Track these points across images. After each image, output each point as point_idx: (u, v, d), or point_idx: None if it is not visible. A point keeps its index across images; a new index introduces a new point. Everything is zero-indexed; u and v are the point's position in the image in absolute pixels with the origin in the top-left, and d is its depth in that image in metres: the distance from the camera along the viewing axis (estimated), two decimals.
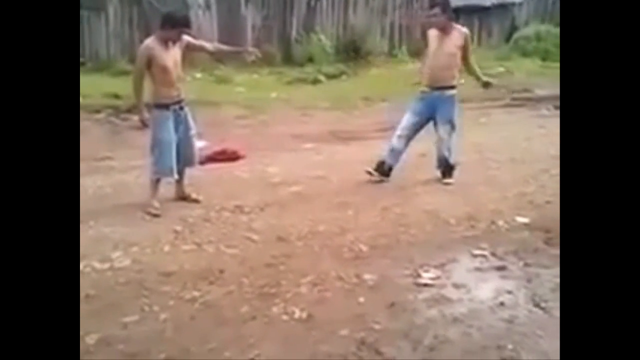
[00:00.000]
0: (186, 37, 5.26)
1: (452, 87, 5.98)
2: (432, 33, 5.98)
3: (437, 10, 5.87)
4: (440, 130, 6.00)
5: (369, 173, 6.00)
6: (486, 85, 6.29)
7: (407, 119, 6.03)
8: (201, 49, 5.78)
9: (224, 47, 6.42)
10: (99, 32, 12.33)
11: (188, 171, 5.51)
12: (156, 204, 5.18)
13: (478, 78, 6.24)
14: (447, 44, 5.86)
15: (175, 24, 5.06)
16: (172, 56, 5.11)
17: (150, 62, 5.04)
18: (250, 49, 6.07)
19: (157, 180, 5.28)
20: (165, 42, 5.07)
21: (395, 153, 6.04)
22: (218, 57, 10.91)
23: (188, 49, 5.39)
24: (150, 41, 5.10)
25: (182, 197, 5.46)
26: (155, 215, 5.08)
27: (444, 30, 5.87)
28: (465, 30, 5.98)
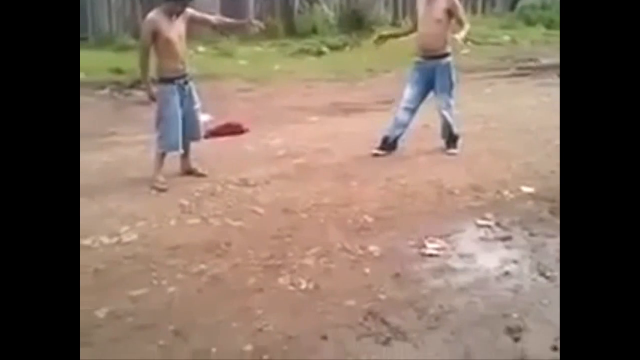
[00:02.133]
0: (190, 10, 5.21)
1: (446, 55, 5.88)
2: (420, 0, 5.90)
3: None
4: (439, 99, 5.95)
5: (376, 155, 5.98)
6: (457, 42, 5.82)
7: (408, 91, 6.00)
8: (205, 22, 5.72)
9: (227, 20, 6.37)
10: (101, 7, 12.28)
11: (193, 145, 5.51)
12: (162, 179, 5.20)
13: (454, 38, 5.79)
14: (432, 10, 5.75)
15: None
16: (176, 29, 5.07)
17: (155, 36, 5.01)
18: (254, 21, 6.01)
19: (162, 155, 5.28)
20: (169, 15, 5.02)
21: (400, 124, 6.01)
22: (221, 30, 10.83)
23: (192, 22, 5.34)
24: (154, 14, 5.05)
25: (188, 172, 5.48)
26: (162, 190, 5.10)
27: None
28: None
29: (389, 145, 6.02)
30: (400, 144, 6.07)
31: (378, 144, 6.02)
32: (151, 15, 5.07)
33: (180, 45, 5.13)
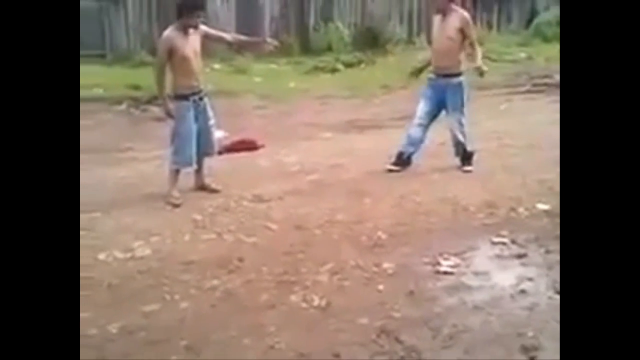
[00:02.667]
0: (204, 27, 5.28)
1: (459, 74, 5.89)
2: (436, 17, 5.95)
3: None
4: (451, 118, 5.96)
5: (390, 170, 5.97)
6: (480, 72, 5.91)
7: (421, 107, 6.01)
8: (219, 38, 5.78)
9: (243, 38, 6.42)
10: (118, 24, 12.42)
11: (207, 161, 5.54)
12: (176, 194, 5.22)
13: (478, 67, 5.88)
14: (446, 27, 5.79)
15: (191, 9, 5.04)
16: (192, 46, 5.12)
17: (171, 53, 5.06)
18: (269, 39, 6.04)
19: (177, 171, 5.31)
20: (185, 31, 5.07)
21: (414, 141, 6.01)
22: (236, 48, 10.90)
23: (207, 39, 5.41)
24: (169, 31, 5.11)
25: (202, 187, 5.49)
26: (176, 205, 5.12)
27: (444, 13, 5.81)
28: (463, 12, 5.86)
29: (403, 161, 6.01)
30: (414, 160, 6.06)
31: (393, 159, 6.02)
32: (167, 32, 5.12)
33: (196, 62, 5.18)
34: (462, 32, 5.77)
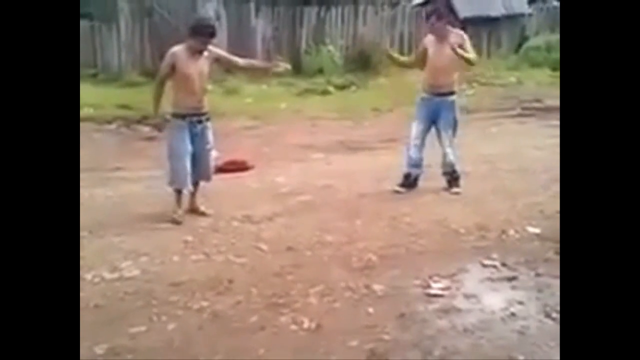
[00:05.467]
0: (217, 50, 5.26)
1: (453, 93, 6.01)
2: (429, 38, 6.03)
3: (433, 19, 5.98)
4: (442, 136, 6.01)
5: (397, 191, 5.98)
6: (467, 61, 5.96)
7: (415, 127, 6.04)
8: (232, 63, 5.68)
9: (255, 62, 6.33)
10: (110, 43, 12.46)
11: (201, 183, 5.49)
12: (179, 212, 5.23)
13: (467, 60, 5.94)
14: (444, 47, 5.85)
15: (200, 35, 5.02)
16: (197, 66, 5.07)
17: (173, 69, 5.05)
18: (281, 63, 5.90)
19: (179, 191, 5.28)
20: (192, 52, 5.05)
21: (417, 162, 6.03)
22: (229, 69, 10.89)
23: (218, 62, 5.40)
24: (178, 48, 5.10)
25: (193, 210, 5.44)
26: (177, 222, 5.13)
27: (442, 36, 5.90)
28: (459, 31, 5.99)
29: (410, 182, 6.04)
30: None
31: (400, 181, 6.03)
32: (175, 48, 5.11)
33: (199, 83, 5.12)
34: (462, 49, 5.84)
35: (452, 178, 6.04)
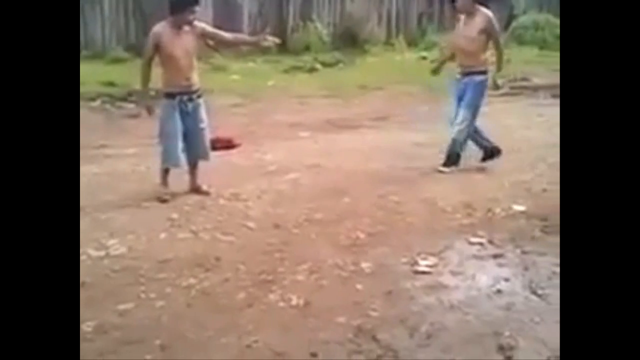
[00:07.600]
0: (201, 24, 5.10)
1: (482, 72, 5.93)
2: (461, 16, 6.02)
3: None
4: (460, 113, 5.92)
5: (441, 171, 5.92)
6: (495, 86, 6.21)
7: (454, 108, 6.00)
8: (218, 37, 5.45)
9: (243, 37, 6.14)
10: (94, 20, 12.24)
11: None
12: (165, 190, 5.18)
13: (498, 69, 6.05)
14: (468, 28, 5.85)
15: (185, 4, 4.86)
16: (182, 43, 4.95)
17: (157, 49, 4.94)
18: (269, 37, 5.76)
19: (166, 170, 5.22)
20: (177, 28, 4.92)
21: (460, 142, 5.97)
22: (217, 46, 10.76)
23: (204, 37, 5.23)
24: (159, 26, 4.96)
25: (194, 189, 5.36)
26: (163, 201, 5.08)
27: (468, 14, 5.87)
28: (488, 13, 5.83)
29: (452, 161, 5.98)
30: (393, 162, 6.05)
31: (442, 161, 5.98)
32: (156, 27, 4.97)
33: (186, 61, 5.00)
34: (487, 33, 5.81)
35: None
